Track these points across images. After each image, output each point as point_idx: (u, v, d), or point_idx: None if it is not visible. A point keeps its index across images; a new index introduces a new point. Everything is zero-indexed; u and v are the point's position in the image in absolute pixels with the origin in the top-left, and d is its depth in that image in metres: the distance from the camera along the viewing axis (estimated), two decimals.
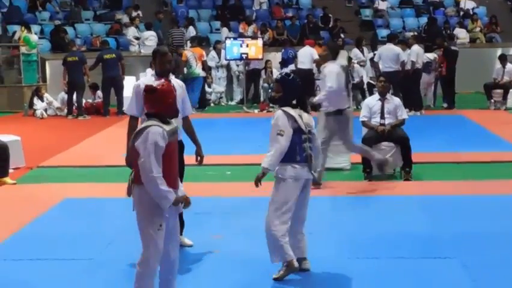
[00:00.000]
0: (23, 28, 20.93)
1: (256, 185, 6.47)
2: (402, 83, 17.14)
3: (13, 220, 8.67)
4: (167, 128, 5.37)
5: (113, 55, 19.05)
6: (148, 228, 5.40)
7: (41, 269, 6.95)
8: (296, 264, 6.43)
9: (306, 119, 6.49)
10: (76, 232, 8.09)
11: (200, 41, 20.72)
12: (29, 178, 11.28)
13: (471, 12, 26.46)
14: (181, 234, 7.41)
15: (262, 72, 21.12)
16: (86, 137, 15.23)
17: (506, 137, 14.02)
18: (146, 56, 19.41)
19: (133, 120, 7.11)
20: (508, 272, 6.64)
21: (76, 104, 18.90)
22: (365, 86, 19.63)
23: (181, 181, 7.23)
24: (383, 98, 10.72)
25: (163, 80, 5.75)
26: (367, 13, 27.07)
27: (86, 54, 20.38)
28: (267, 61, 21.03)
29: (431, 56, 19.21)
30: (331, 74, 9.93)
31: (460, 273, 6.61)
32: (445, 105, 19.30)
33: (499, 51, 21.65)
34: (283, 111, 6.42)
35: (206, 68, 19.96)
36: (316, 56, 18.87)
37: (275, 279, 6.41)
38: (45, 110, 19.17)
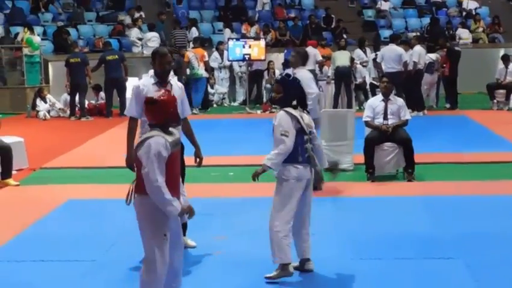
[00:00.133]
0: (25, 29, 20.97)
1: (254, 179, 6.50)
2: (405, 84, 17.15)
3: (16, 221, 8.68)
4: (169, 139, 5.34)
5: (116, 56, 19.08)
6: (152, 238, 5.36)
7: (44, 271, 6.96)
8: (291, 269, 6.43)
9: (306, 119, 6.50)
10: (79, 233, 8.10)
11: (202, 42, 20.72)
12: (32, 179, 11.29)
13: (474, 13, 26.45)
14: (184, 235, 7.41)
15: (265, 73, 21.13)
16: (89, 138, 15.25)
17: (509, 137, 14.00)
18: (149, 57, 19.33)
19: (133, 121, 7.10)
20: (511, 272, 6.64)
21: (78, 105, 18.93)
22: (368, 87, 19.64)
23: (183, 182, 7.26)
24: (386, 98, 10.72)
25: (163, 91, 5.68)
26: (369, 14, 27.07)
27: (88, 55, 20.40)
28: (269, 62, 21.05)
29: (434, 56, 19.20)
30: (307, 80, 9.66)
31: (463, 274, 6.61)
32: (448, 105, 19.29)
33: (502, 52, 21.62)
34: (286, 111, 6.43)
35: (208, 68, 19.98)
36: (319, 57, 18.89)
37: (267, 278, 6.42)
38: (48, 112, 19.20)
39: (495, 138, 14.31)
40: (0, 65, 21.49)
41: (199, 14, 26.07)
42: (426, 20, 25.80)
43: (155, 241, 5.35)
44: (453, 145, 13.50)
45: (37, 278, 6.75)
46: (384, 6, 26.90)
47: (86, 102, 19.21)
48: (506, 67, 18.96)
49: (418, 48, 18.40)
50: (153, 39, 22.33)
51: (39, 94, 19.36)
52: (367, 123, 10.84)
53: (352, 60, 19.35)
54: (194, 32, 22.88)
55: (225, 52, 21.05)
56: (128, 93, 17.89)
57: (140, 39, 23.25)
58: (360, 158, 10.88)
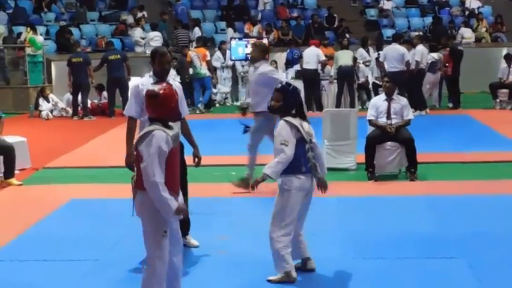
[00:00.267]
0: (28, 29, 21.00)
1: (253, 188, 6.58)
2: (407, 83, 17.14)
3: (19, 221, 8.68)
4: (170, 133, 5.33)
5: (118, 56, 19.09)
6: (152, 235, 5.36)
7: (47, 270, 6.96)
8: (294, 275, 6.42)
9: (306, 128, 6.48)
10: (82, 233, 8.10)
11: (205, 42, 20.74)
12: (35, 179, 11.31)
13: (476, 12, 26.45)
14: (187, 234, 7.43)
15: None
16: (91, 137, 15.26)
17: None
18: None
19: (132, 121, 7.09)
20: None
21: (81, 105, 18.95)
22: (370, 86, 19.63)
23: (186, 181, 7.27)
24: (389, 98, 10.71)
25: (164, 84, 5.67)
26: (372, 13, 27.08)
27: (91, 55, 20.42)
28: (272, 61, 21.03)
29: (436, 55, 19.19)
30: (273, 72, 9.90)
31: (465, 273, 6.61)
32: (451, 105, 19.27)
33: (505, 51, 21.60)
34: (286, 121, 6.42)
35: (211, 68, 19.98)
36: (322, 57, 18.90)
37: (269, 281, 6.42)
38: (51, 111, 19.22)
39: (498, 137, 14.30)
40: (3, 64, 21.49)
41: (202, 14, 26.08)
42: (428, 20, 25.80)
43: (156, 237, 5.35)
44: (456, 144, 13.49)
45: (40, 277, 6.75)
46: (387, 5, 26.91)
47: (89, 102, 19.23)
48: (509, 66, 18.95)
49: (421, 48, 18.39)
50: (155, 39, 22.33)
51: (42, 94, 19.38)
52: (371, 122, 10.84)
53: (355, 59, 19.34)
54: (197, 32, 22.89)
55: (228, 52, 21.05)
56: None
57: (143, 39, 23.26)
58: (363, 158, 10.87)
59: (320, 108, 18.07)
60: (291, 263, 6.41)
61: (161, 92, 5.40)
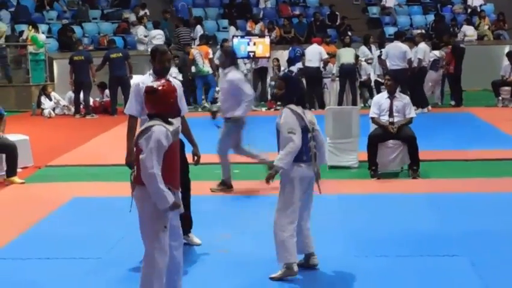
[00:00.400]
0: (30, 27, 21.00)
1: (268, 182, 6.48)
2: (409, 81, 17.13)
3: (21, 219, 8.69)
4: (170, 128, 5.34)
5: (120, 54, 19.10)
6: (152, 230, 5.34)
7: (50, 268, 6.97)
8: (296, 268, 6.43)
9: (309, 116, 6.51)
10: (84, 231, 8.11)
11: (207, 40, 20.74)
12: (37, 177, 11.32)
13: (478, 9, 26.44)
14: (189, 232, 7.43)
15: (270, 70, 21.12)
16: (93, 136, 15.27)
17: None
18: None
19: (133, 119, 7.08)
20: None
21: (83, 103, 18.96)
22: (373, 84, 19.63)
23: (189, 179, 7.28)
24: (391, 96, 10.70)
25: (163, 80, 5.66)
26: (374, 11, 27.09)
27: (93, 53, 20.44)
28: (274, 59, 21.04)
29: (438, 53, 19.17)
30: (240, 82, 9.81)
31: (468, 271, 6.61)
32: (453, 102, 19.27)
33: (507, 48, 21.61)
34: (290, 109, 6.43)
35: (213, 66, 19.98)
36: (325, 55, 18.91)
37: (272, 278, 6.43)
38: (53, 109, 19.24)
39: (500, 135, 14.30)
40: (6, 63, 21.52)
41: (204, 12, 26.07)
42: (431, 17, 25.79)
43: (155, 233, 5.33)
44: (458, 142, 13.49)
45: (42, 275, 6.76)
46: (389, 3, 26.90)
47: (91, 100, 19.24)
48: (511, 64, 18.93)
49: (423, 46, 18.39)
50: (158, 37, 22.32)
51: (44, 92, 19.40)
52: (373, 120, 10.83)
53: (357, 57, 19.36)
54: (199, 30, 22.89)
55: None
56: None
57: (146, 37, 23.26)
58: (365, 156, 10.87)
59: (322, 106, 18.07)
60: (294, 256, 6.41)
61: (159, 87, 5.40)
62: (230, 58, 10.08)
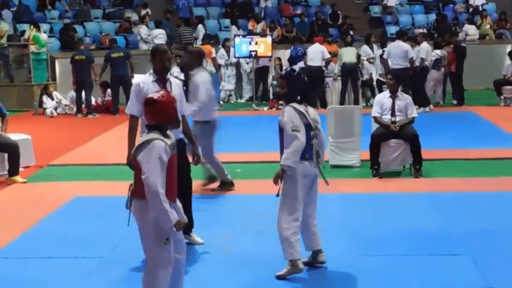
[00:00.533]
0: (32, 27, 21.02)
1: (276, 183, 6.45)
2: (411, 80, 17.12)
3: (23, 218, 8.70)
4: (168, 142, 5.25)
5: (121, 53, 19.12)
6: (154, 244, 5.24)
7: (52, 268, 6.97)
8: (301, 265, 6.44)
9: (312, 114, 6.51)
10: (86, 230, 8.10)
11: (210, 39, 20.73)
12: (39, 177, 11.32)
13: (480, 9, 26.41)
14: (191, 231, 7.43)
15: (272, 69, 21.13)
16: (95, 135, 15.28)
17: None
18: None
19: (134, 119, 7.08)
20: None
21: (85, 103, 18.96)
22: (374, 83, 19.62)
23: (191, 180, 7.28)
24: (393, 95, 10.69)
25: (162, 91, 5.58)
26: (376, 10, 27.07)
27: (95, 52, 20.44)
28: (276, 58, 21.04)
29: (440, 52, 19.16)
30: (202, 85, 9.29)
31: (469, 270, 6.60)
32: (455, 102, 19.25)
33: (509, 48, 21.60)
34: (293, 107, 6.42)
35: (216, 65, 19.97)
36: (327, 54, 18.91)
37: (278, 276, 6.43)
38: (55, 109, 19.25)
39: (502, 134, 14.28)
40: (7, 62, 21.52)
41: (206, 11, 26.07)
42: (433, 17, 25.79)
43: (158, 247, 5.24)
44: (460, 141, 13.47)
45: (44, 275, 6.76)
46: (391, 2, 26.90)
47: (93, 99, 19.25)
48: None
49: (425, 45, 18.38)
50: (159, 36, 22.33)
51: (46, 91, 19.43)
52: (376, 119, 10.83)
53: (359, 56, 19.36)
54: (200, 30, 22.89)
55: (231, 49, 21.04)
56: None
57: (148, 36, 23.25)
58: (367, 155, 10.87)
59: (324, 105, 18.08)
60: (298, 252, 6.41)
61: (159, 99, 5.32)
62: (196, 60, 9.62)
